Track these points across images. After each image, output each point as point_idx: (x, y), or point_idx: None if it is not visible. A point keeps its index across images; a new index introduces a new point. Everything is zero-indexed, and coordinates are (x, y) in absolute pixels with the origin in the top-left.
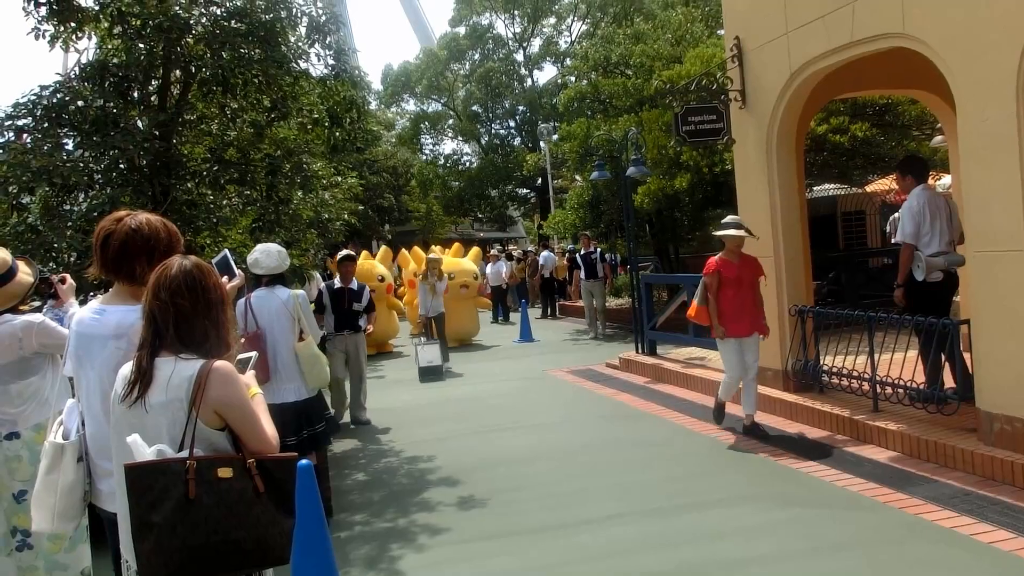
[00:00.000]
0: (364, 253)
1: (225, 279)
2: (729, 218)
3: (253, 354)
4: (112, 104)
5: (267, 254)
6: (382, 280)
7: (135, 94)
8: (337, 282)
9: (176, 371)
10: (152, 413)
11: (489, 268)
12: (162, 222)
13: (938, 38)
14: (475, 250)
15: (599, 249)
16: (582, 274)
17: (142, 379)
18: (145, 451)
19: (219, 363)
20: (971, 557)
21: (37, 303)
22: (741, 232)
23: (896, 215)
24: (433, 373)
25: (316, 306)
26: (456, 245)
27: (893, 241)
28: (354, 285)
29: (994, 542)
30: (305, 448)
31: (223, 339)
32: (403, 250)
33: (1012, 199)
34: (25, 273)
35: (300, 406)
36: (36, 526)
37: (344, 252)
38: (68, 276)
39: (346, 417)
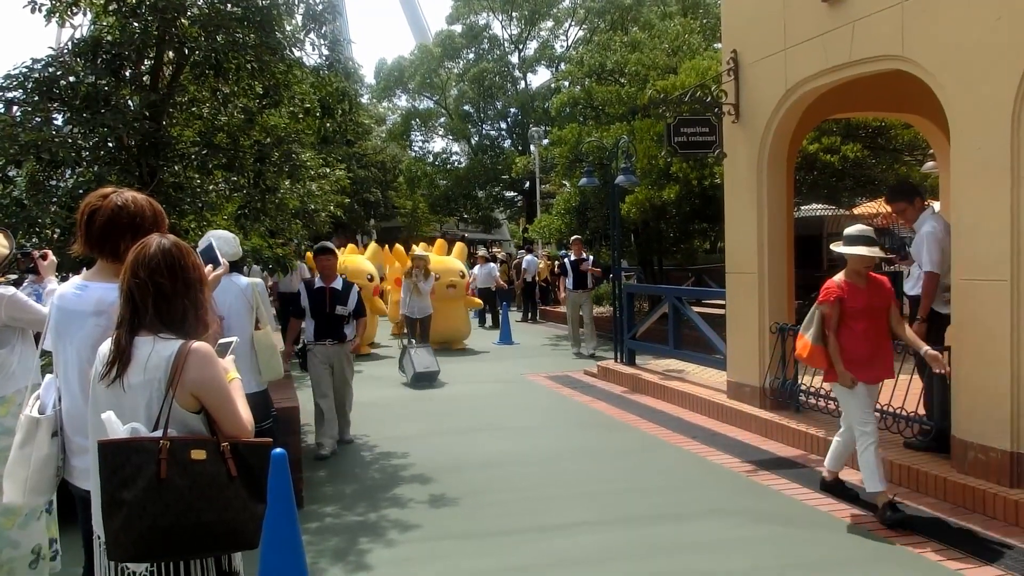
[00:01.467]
0: (350, 247)
1: (210, 267)
2: (855, 229)
3: (234, 339)
4: (104, 81)
5: (224, 240)
6: (371, 279)
7: (127, 73)
8: (318, 280)
9: (155, 351)
10: (130, 393)
11: (478, 270)
12: (148, 201)
13: (936, 63)
14: (459, 246)
15: (591, 257)
16: (569, 282)
17: (121, 358)
18: (119, 429)
19: (198, 344)
20: None
21: (14, 276)
22: (875, 251)
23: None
24: (428, 379)
25: (294, 309)
26: (439, 242)
27: (897, 267)
28: (338, 284)
29: (961, 569)
30: None
31: (201, 319)
32: (386, 247)
33: (1000, 228)
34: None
35: (250, 400)
36: (7, 498)
37: (320, 244)
38: (50, 252)
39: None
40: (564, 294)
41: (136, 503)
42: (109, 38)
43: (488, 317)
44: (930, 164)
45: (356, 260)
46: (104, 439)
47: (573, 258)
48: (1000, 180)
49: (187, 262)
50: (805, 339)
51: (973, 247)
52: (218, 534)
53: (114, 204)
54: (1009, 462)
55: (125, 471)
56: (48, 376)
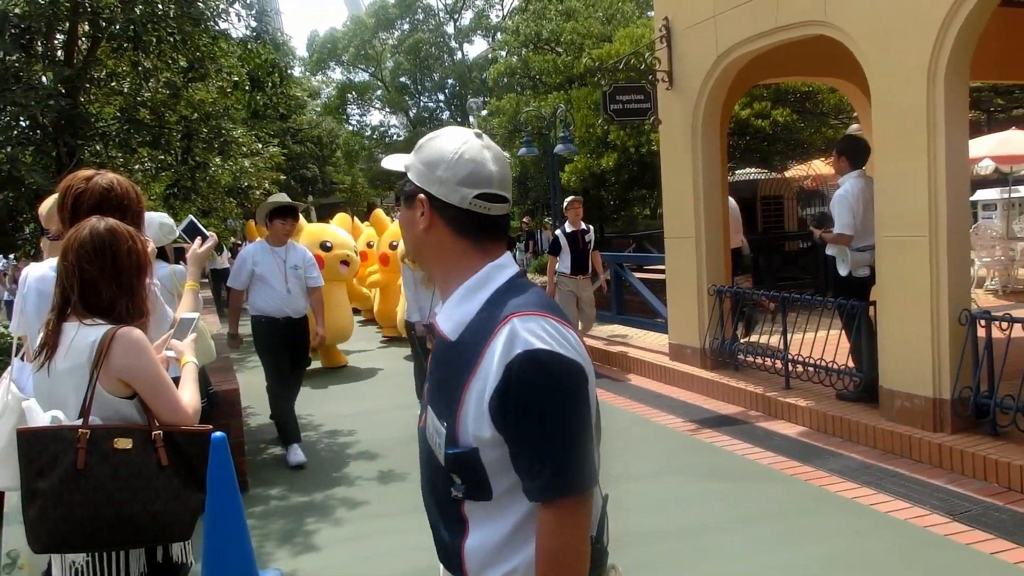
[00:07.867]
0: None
1: (198, 241)
2: None
3: (196, 315)
4: (13, 57)
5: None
6: (349, 262)
7: (39, 47)
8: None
9: (79, 336)
10: (57, 378)
11: None
12: (129, 183)
13: (855, 27)
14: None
15: (592, 228)
16: (564, 265)
17: (48, 343)
18: (38, 417)
19: (125, 330)
20: (871, 526)
21: None
22: None
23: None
24: None
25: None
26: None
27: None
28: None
29: (891, 511)
30: None
31: (136, 307)
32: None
33: (919, 186)
34: None
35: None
36: (1, 484)
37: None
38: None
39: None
40: (554, 282)
41: (51, 492)
42: (17, 11)
43: None
44: (855, 127)
45: (330, 232)
46: (23, 427)
47: (570, 230)
48: (918, 139)
49: (121, 247)
50: None
51: (894, 205)
52: (143, 526)
53: (100, 186)
54: (932, 408)
55: (42, 460)
56: (16, 359)
